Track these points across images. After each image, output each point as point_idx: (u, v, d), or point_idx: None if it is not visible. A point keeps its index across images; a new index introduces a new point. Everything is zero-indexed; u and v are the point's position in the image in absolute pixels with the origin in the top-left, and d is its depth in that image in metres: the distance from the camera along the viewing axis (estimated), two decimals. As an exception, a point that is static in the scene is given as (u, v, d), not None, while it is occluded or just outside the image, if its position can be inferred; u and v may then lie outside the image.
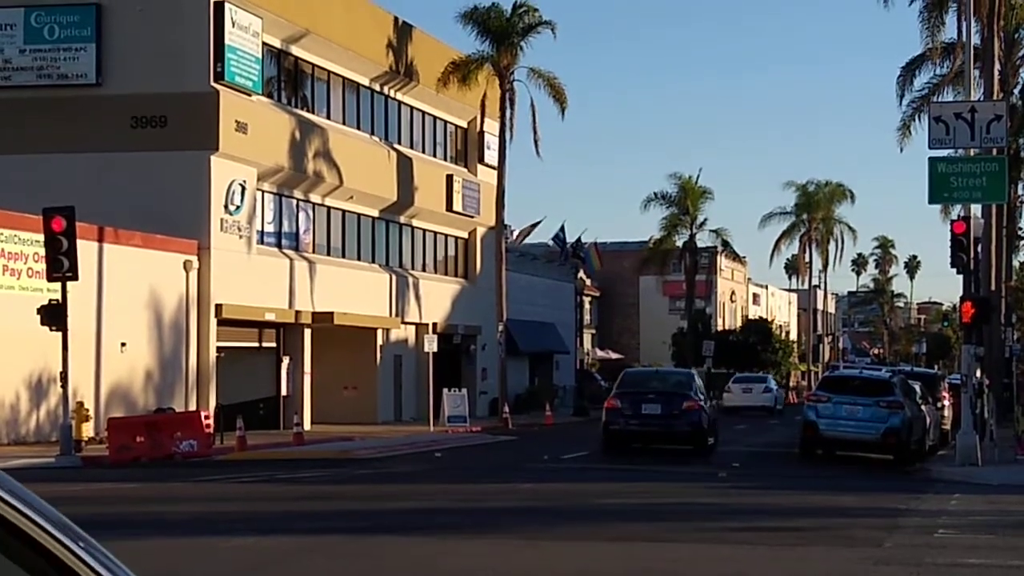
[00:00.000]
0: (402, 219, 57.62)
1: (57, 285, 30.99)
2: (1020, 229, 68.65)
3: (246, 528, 17.83)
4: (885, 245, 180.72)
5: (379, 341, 54.80)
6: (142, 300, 40.10)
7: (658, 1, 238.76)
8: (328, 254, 51.20)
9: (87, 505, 19.52)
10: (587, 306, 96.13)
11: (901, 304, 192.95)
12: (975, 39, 46.09)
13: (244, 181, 44.11)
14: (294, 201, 49.17)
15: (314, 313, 48.14)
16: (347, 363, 52.84)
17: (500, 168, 60.29)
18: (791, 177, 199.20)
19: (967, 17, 40.54)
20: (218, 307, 42.55)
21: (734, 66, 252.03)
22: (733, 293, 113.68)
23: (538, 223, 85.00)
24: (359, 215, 53.92)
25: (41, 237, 31.34)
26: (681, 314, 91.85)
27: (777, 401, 72.25)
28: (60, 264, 30.47)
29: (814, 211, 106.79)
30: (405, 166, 56.22)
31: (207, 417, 35.69)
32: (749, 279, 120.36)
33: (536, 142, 60.30)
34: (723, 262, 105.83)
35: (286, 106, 48.59)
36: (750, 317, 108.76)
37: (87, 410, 35.56)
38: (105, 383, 38.61)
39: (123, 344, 39.08)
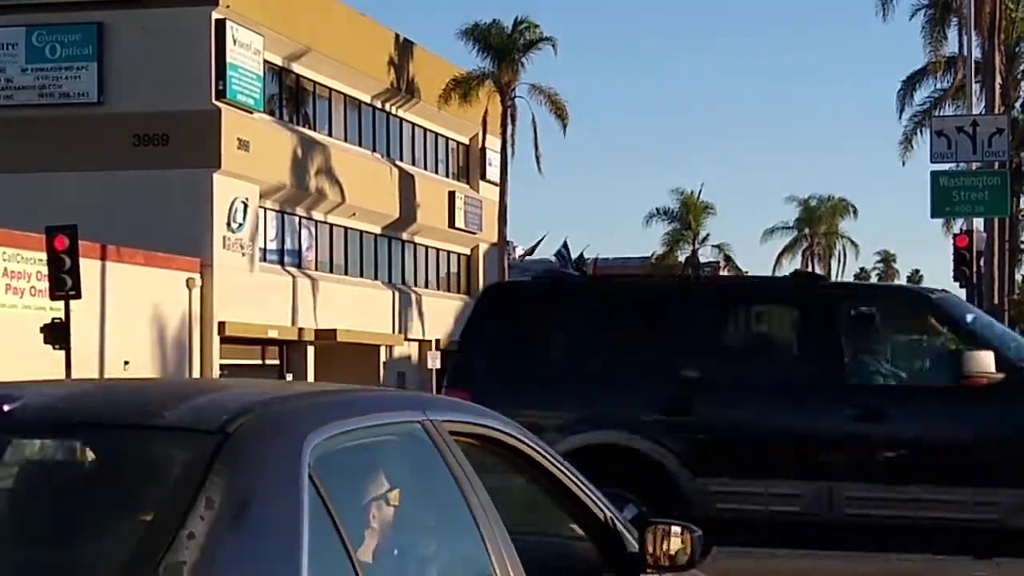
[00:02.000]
0: (404, 236, 57.61)
1: (60, 303, 30.92)
2: (1023, 243, 68.60)
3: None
4: (887, 259, 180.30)
5: (382, 358, 54.75)
6: (145, 318, 40.07)
7: (659, 16, 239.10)
8: (331, 271, 51.19)
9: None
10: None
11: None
12: (976, 53, 46.03)
13: (246, 199, 44.13)
14: (296, 218, 49.17)
15: (317, 330, 48.12)
16: (350, 380, 52.54)
17: (502, 184, 60.27)
18: (793, 191, 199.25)
19: (968, 31, 40.65)
20: (221, 325, 42.52)
21: (735, 81, 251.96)
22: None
23: (541, 240, 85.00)
24: (361, 232, 53.92)
25: (44, 256, 31.25)
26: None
27: None
28: (63, 282, 30.38)
29: (816, 225, 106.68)
30: (407, 183, 56.23)
31: (211, 435, 35.59)
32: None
33: (538, 158, 60.39)
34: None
35: (288, 124, 48.63)
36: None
37: (90, 428, 35.46)
38: (108, 401, 38.51)
39: (126, 362, 39.03)
